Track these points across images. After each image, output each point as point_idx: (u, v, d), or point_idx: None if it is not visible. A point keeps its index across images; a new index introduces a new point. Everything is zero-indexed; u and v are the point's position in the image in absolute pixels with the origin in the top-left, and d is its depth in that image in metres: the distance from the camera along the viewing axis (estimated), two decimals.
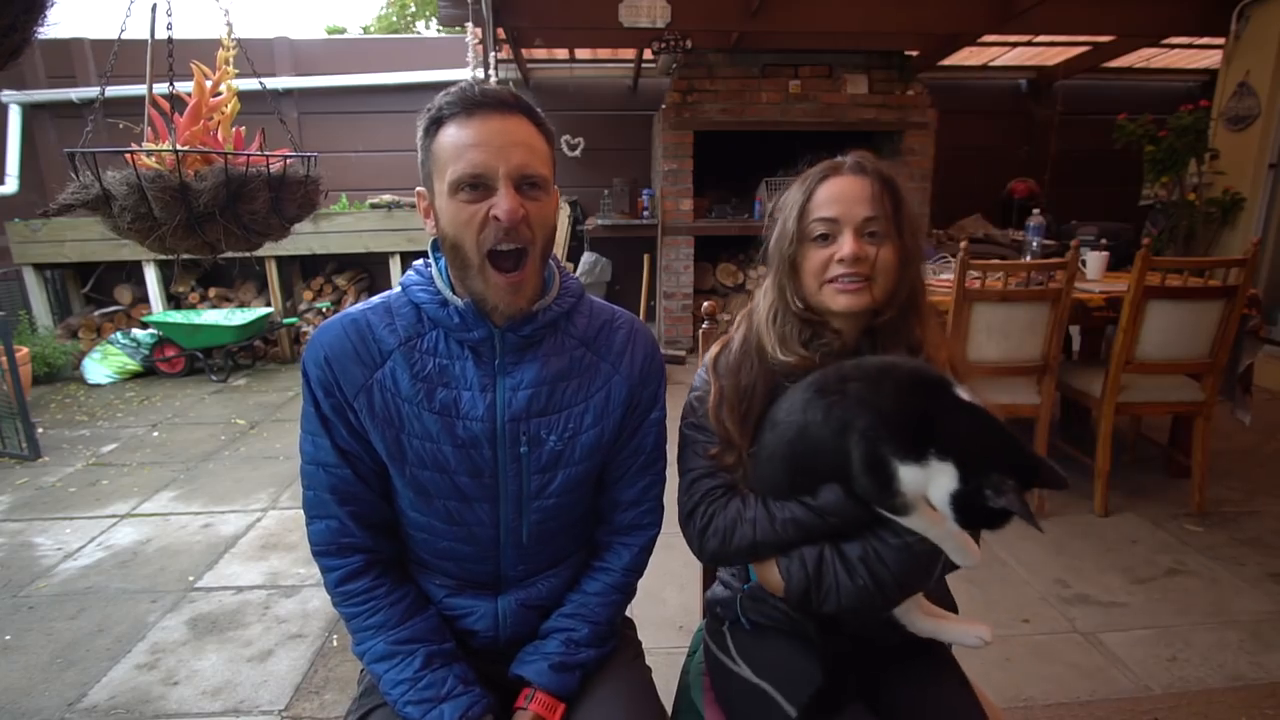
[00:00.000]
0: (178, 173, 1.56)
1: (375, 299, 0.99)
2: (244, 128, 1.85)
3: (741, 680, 1.04)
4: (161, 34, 1.87)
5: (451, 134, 0.88)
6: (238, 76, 1.84)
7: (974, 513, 0.81)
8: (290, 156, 1.78)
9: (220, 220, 1.61)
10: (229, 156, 1.63)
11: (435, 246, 0.98)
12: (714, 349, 1.09)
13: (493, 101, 0.88)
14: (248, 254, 1.85)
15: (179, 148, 1.60)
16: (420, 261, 1.00)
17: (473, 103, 0.87)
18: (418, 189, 0.95)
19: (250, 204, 1.64)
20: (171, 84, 1.80)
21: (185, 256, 1.82)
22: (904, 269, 0.97)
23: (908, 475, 0.82)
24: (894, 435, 0.83)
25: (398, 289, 0.99)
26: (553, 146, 0.95)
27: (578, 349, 1.00)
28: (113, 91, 1.96)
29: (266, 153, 1.73)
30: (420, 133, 0.91)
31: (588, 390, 0.99)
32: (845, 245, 0.94)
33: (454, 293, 0.95)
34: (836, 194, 0.96)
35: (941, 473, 0.81)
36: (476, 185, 0.87)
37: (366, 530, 0.97)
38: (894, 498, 0.84)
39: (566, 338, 1.00)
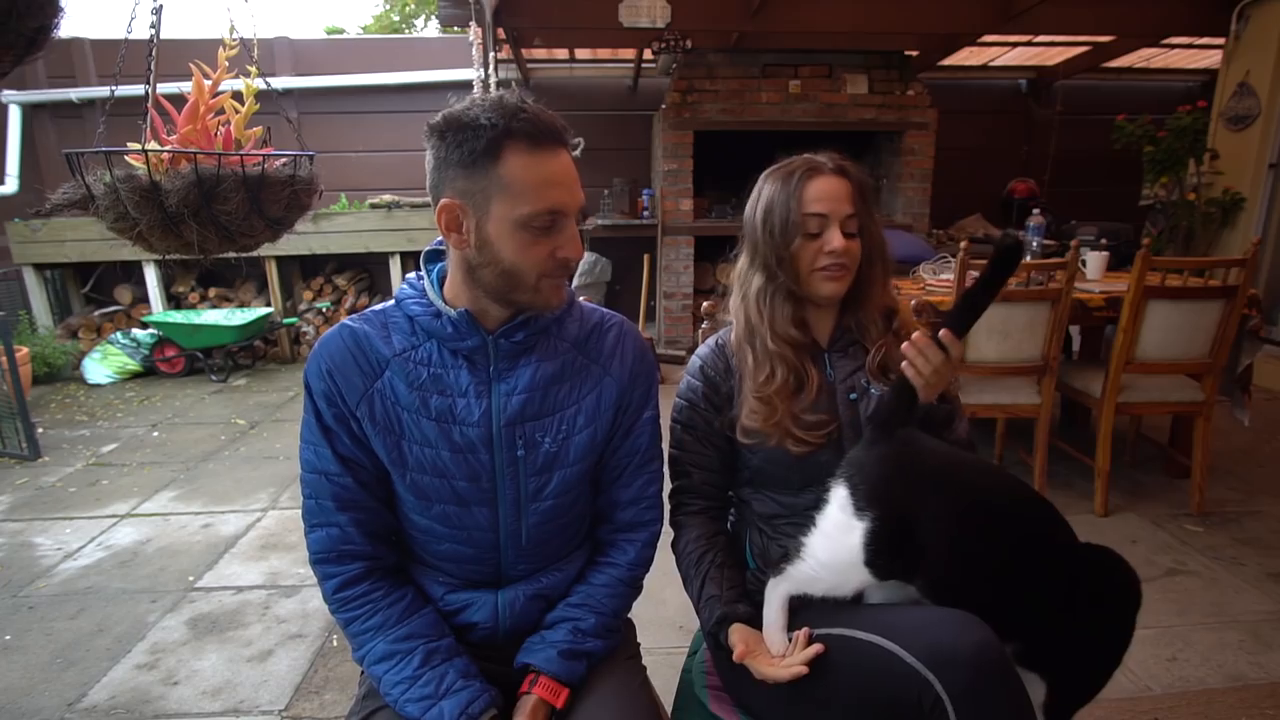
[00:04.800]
0: (148, 172, 1.54)
1: (370, 311, 1.01)
2: (260, 128, 1.81)
3: None
4: (164, 34, 1.86)
5: (523, 164, 0.86)
6: (238, 76, 1.82)
7: None
8: (271, 155, 1.70)
9: (191, 221, 1.55)
10: (198, 155, 1.57)
11: (428, 258, 1.01)
12: (704, 353, 1.20)
13: (554, 135, 0.89)
14: (240, 255, 1.80)
15: (147, 147, 1.58)
16: (413, 275, 1.02)
17: (540, 132, 0.87)
18: (445, 200, 0.89)
19: (224, 205, 1.58)
20: (150, 82, 1.74)
21: (172, 257, 1.78)
22: (870, 255, 1.13)
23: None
24: None
25: (392, 303, 1.01)
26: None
27: (569, 352, 1.02)
28: (122, 91, 1.95)
29: (242, 152, 1.64)
30: (472, 147, 0.85)
31: (579, 392, 1.01)
32: (834, 239, 1.08)
33: (446, 303, 0.97)
34: (824, 192, 1.09)
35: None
36: (552, 224, 0.90)
37: (367, 537, 0.98)
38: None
39: (559, 342, 1.02)
